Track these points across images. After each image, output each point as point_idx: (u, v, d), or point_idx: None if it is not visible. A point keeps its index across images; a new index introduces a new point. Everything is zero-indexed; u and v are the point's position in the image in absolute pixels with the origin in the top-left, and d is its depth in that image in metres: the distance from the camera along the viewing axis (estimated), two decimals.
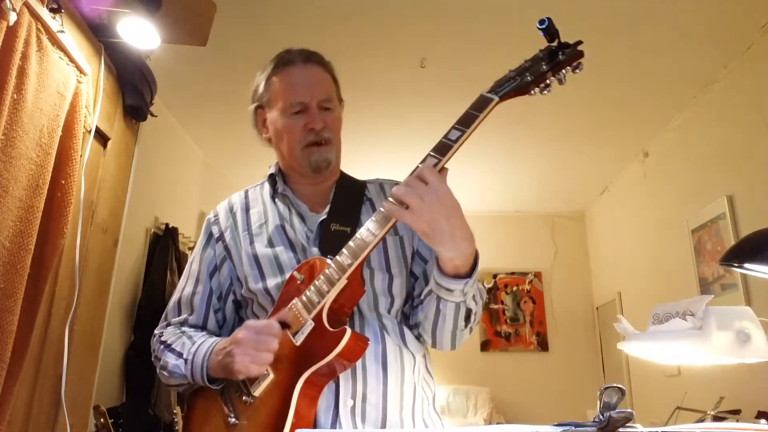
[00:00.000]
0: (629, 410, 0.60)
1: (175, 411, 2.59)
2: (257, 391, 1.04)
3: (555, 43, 1.01)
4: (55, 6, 1.57)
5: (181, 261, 3.44)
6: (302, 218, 1.20)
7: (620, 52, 2.89)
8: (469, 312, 1.07)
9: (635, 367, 4.30)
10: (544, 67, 1.01)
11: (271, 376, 1.03)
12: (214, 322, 1.21)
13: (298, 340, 1.02)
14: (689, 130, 3.47)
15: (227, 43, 2.81)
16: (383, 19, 2.69)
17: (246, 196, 1.28)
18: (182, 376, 1.11)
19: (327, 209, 1.20)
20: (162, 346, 1.18)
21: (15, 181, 1.40)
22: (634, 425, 0.61)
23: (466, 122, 1.00)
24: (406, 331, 1.15)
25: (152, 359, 1.20)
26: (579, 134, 3.86)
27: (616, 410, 0.60)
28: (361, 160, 4.11)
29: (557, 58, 1.00)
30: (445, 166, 0.99)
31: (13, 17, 1.33)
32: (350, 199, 1.23)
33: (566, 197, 5.26)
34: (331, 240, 1.13)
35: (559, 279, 5.49)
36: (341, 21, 2.71)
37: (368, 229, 1.00)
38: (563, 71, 1.01)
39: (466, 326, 1.09)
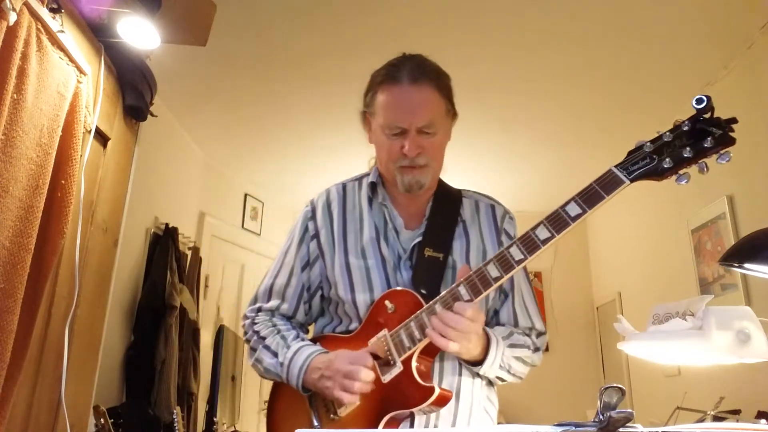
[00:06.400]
0: (629, 410, 0.60)
1: (175, 411, 2.59)
2: (343, 413, 1.09)
3: (707, 117, 0.86)
4: (55, 6, 1.57)
5: (181, 261, 3.44)
6: (397, 233, 1.23)
7: (620, 52, 2.89)
8: (497, 378, 1.20)
9: (635, 367, 4.29)
10: (687, 152, 0.89)
11: (358, 402, 1.07)
12: (303, 313, 1.29)
13: (386, 378, 1.07)
14: None
15: (227, 43, 2.80)
16: (383, 20, 2.68)
17: (344, 194, 1.31)
18: (277, 375, 1.19)
19: (422, 229, 1.23)
20: (256, 337, 1.24)
21: (15, 181, 1.40)
22: (634, 425, 0.61)
23: (591, 201, 1.04)
24: None
25: (245, 340, 1.29)
26: (578, 134, 3.86)
27: (616, 410, 0.60)
28: (361, 160, 4.09)
29: (703, 144, 0.87)
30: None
31: (13, 17, 1.33)
32: (445, 220, 1.25)
33: (566, 197, 5.23)
34: (424, 267, 1.17)
35: (559, 279, 5.48)
36: (341, 21, 2.71)
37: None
38: (707, 159, 0.89)
39: (502, 381, 1.21)
